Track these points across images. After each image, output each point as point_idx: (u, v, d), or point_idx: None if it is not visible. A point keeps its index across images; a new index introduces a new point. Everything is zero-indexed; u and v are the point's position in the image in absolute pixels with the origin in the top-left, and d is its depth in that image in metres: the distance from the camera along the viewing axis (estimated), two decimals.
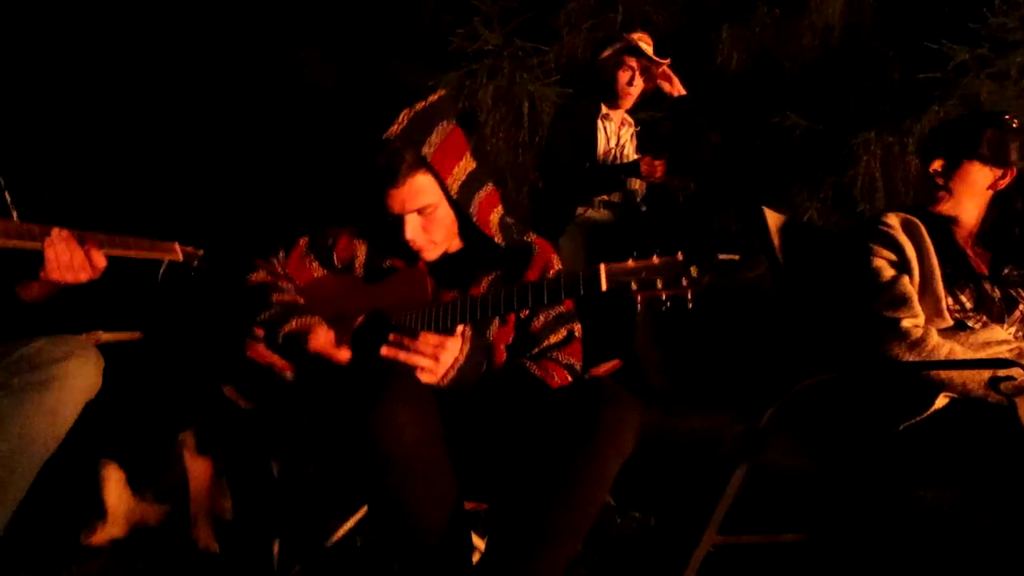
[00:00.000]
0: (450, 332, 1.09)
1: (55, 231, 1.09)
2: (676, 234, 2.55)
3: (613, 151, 2.47)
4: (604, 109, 2.46)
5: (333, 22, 3.87)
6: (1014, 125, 1.37)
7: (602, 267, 1.00)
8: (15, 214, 1.14)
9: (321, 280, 1.31)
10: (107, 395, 1.16)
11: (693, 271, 0.97)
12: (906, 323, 1.29)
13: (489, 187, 1.27)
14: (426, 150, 1.17)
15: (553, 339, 1.25)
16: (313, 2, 3.87)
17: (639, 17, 3.79)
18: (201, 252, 1.33)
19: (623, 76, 2.39)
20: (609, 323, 2.04)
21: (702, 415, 2.47)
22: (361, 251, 1.31)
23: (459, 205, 1.21)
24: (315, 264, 1.33)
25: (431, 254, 1.25)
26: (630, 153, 2.50)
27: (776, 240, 1.55)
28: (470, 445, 1.07)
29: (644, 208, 2.47)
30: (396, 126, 1.17)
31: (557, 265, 1.31)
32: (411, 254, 1.26)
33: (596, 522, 1.01)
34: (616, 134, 2.49)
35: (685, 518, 1.64)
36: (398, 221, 1.20)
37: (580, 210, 2.39)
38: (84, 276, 1.11)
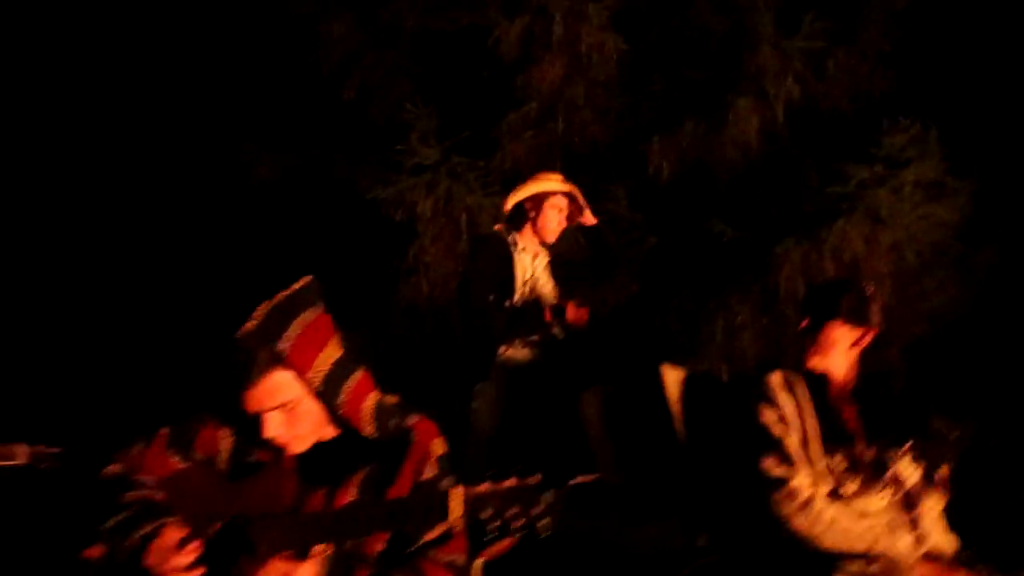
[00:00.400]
0: (307, 548, 1.04)
1: None
2: (596, 362, 2.54)
3: (529, 283, 2.47)
4: (520, 241, 2.47)
5: (278, 121, 3.90)
6: (870, 291, 1.50)
7: (452, 493, 0.98)
8: None
9: (182, 475, 1.22)
10: None
11: (549, 496, 0.96)
12: (795, 483, 1.31)
13: (359, 374, 1.22)
14: (282, 345, 1.13)
15: (429, 536, 1.19)
16: (259, 99, 3.92)
17: (577, 126, 3.97)
18: (56, 450, 1.26)
19: (552, 216, 2.41)
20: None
21: (658, 523, 2.38)
22: (225, 443, 1.23)
23: (323, 397, 1.17)
24: (176, 458, 1.25)
25: (298, 447, 1.18)
26: (545, 283, 2.50)
27: (675, 397, 1.57)
28: None
29: (562, 337, 2.47)
30: (251, 323, 1.14)
31: (438, 451, 1.26)
32: (274, 451, 1.21)
33: None
34: (531, 266, 2.49)
35: None
36: (256, 419, 1.15)
37: (500, 349, 2.36)
38: None
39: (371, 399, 1.24)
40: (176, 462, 1.25)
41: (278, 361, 1.13)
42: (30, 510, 1.27)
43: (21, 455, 1.21)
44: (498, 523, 0.95)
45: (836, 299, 1.48)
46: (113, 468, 1.22)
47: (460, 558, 1.21)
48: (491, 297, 2.33)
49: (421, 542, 1.18)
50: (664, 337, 3.58)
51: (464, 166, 3.40)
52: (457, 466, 1.29)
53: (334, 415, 1.19)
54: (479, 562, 1.38)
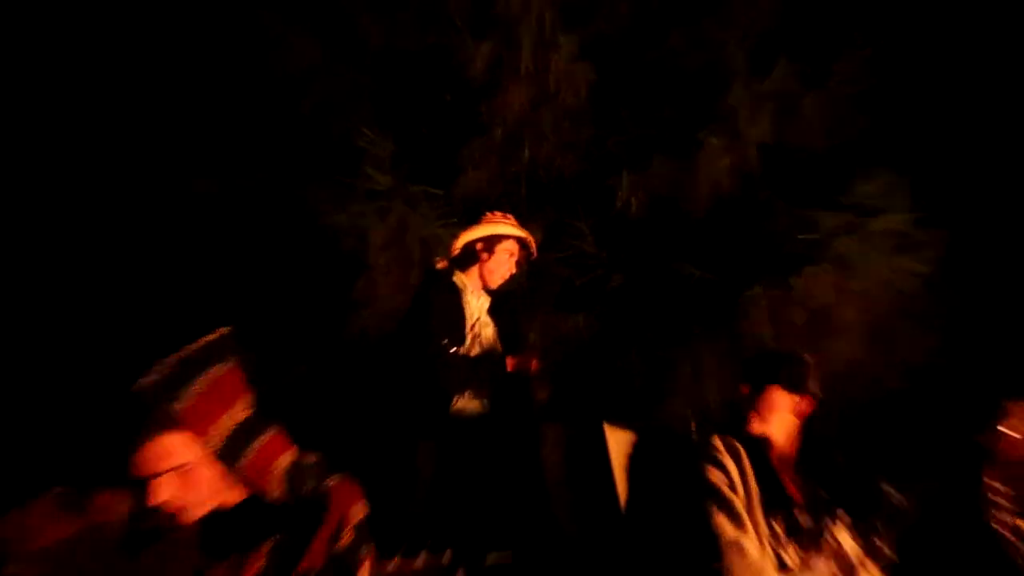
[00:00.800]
0: None
1: None
2: (551, 408, 2.50)
3: (476, 327, 2.42)
4: (461, 281, 2.42)
5: (221, 130, 3.80)
6: (809, 361, 1.59)
7: (359, 571, 0.92)
8: None
9: (67, 544, 1.16)
10: None
11: (460, 574, 0.90)
12: (747, 545, 1.31)
13: (269, 435, 1.18)
14: (179, 405, 1.09)
15: None
16: (205, 107, 3.83)
17: (543, 157, 3.99)
18: None
19: (503, 261, 2.39)
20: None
21: None
22: (122, 507, 1.17)
23: (224, 460, 1.12)
24: (62, 523, 1.18)
25: (195, 514, 1.14)
26: (488, 327, 2.45)
27: (616, 455, 1.56)
28: None
29: (510, 385, 2.40)
30: (152, 376, 1.09)
31: (357, 516, 1.21)
32: (170, 517, 1.13)
33: None
34: (475, 305, 2.45)
35: None
36: (145, 485, 1.10)
37: (452, 400, 2.25)
38: None
39: (284, 459, 1.20)
40: (64, 528, 1.17)
41: (172, 423, 1.09)
42: None
43: None
44: None
45: (776, 366, 1.60)
46: None
47: None
48: (444, 342, 2.24)
49: None
50: (626, 380, 3.56)
51: (420, 195, 3.37)
52: (383, 528, 1.22)
53: (239, 477, 1.13)
54: None
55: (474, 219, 2.56)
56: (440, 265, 2.46)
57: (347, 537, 1.18)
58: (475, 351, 2.32)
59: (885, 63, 3.79)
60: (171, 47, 3.85)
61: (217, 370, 1.13)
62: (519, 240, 2.44)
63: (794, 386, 1.55)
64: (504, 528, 1.78)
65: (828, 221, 3.24)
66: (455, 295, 2.37)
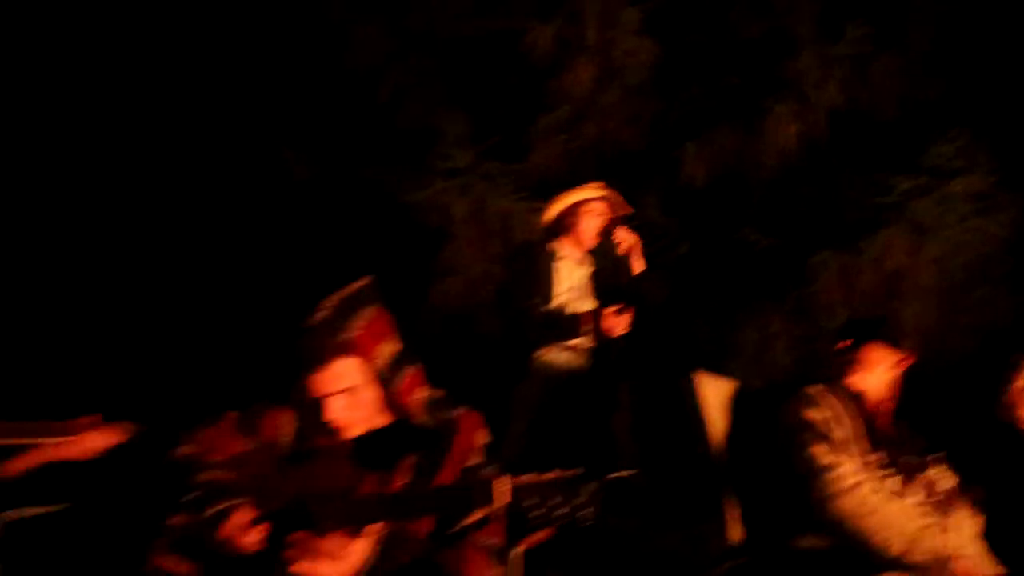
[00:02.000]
0: (362, 527, 1.13)
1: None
2: (629, 367, 2.56)
3: (568, 292, 2.47)
4: (559, 251, 2.49)
5: (313, 122, 4.03)
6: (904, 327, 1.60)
7: (495, 483, 1.06)
8: None
9: (245, 457, 1.34)
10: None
11: (590, 487, 1.02)
12: (843, 468, 1.36)
13: (413, 368, 1.34)
14: (349, 335, 1.26)
15: (470, 520, 1.28)
16: (296, 103, 4.06)
17: (610, 132, 4.02)
18: (141, 428, 1.39)
19: (590, 224, 2.44)
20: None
21: (681, 526, 2.37)
22: (287, 430, 1.35)
23: (383, 384, 1.28)
24: (241, 440, 1.37)
25: (355, 431, 1.30)
26: (584, 293, 2.51)
27: (711, 404, 1.63)
28: None
29: (598, 343, 2.50)
30: (320, 313, 1.26)
31: (481, 441, 1.36)
32: (334, 433, 1.31)
33: None
34: (569, 278, 2.49)
35: None
36: (319, 403, 1.26)
37: (538, 353, 2.39)
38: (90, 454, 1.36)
39: (423, 391, 1.35)
40: (241, 444, 1.37)
41: (345, 349, 1.25)
42: (116, 483, 1.40)
43: (112, 433, 1.35)
44: (541, 512, 1.02)
45: (877, 323, 1.65)
46: (185, 449, 1.33)
47: (499, 542, 1.30)
48: (530, 303, 2.36)
49: (463, 525, 1.27)
50: (693, 345, 3.61)
51: (497, 170, 3.48)
52: (498, 459, 1.37)
53: (390, 403, 1.30)
54: (518, 550, 1.45)
55: (552, 192, 2.67)
56: (536, 237, 2.57)
57: (474, 458, 1.32)
58: (562, 310, 2.42)
59: (960, 20, 3.62)
60: (260, 43, 4.08)
61: (371, 308, 1.30)
62: (604, 200, 2.49)
63: (895, 343, 1.57)
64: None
65: (903, 184, 3.15)
66: (546, 262, 2.47)
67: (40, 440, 1.34)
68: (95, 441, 1.38)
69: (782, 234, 3.52)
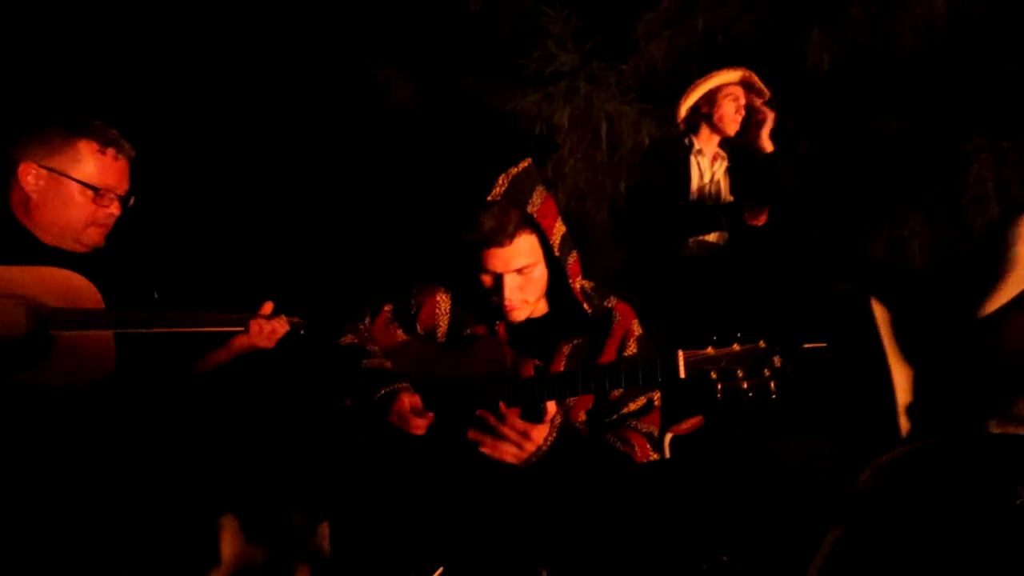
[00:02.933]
0: (531, 407, 1.14)
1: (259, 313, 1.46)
2: (769, 270, 2.41)
3: (707, 187, 2.39)
4: (696, 144, 2.39)
5: (410, 40, 3.98)
6: None
7: (680, 354, 1.02)
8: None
9: (404, 345, 1.41)
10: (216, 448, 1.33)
11: (776, 361, 0.97)
12: None
13: (576, 254, 1.33)
14: (531, 208, 1.24)
15: (632, 407, 1.28)
16: (389, 21, 4.00)
17: (720, 24, 3.67)
18: (303, 321, 1.48)
19: (727, 108, 2.31)
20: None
21: (799, 439, 2.35)
22: (444, 320, 1.38)
23: (559, 263, 1.27)
24: (399, 331, 1.42)
25: (520, 314, 1.30)
26: (724, 189, 2.41)
27: (884, 325, 1.50)
28: (543, 512, 1.12)
29: (736, 237, 2.38)
30: (498, 188, 1.26)
31: (637, 331, 1.34)
32: (492, 319, 1.33)
33: (678, 568, 1.04)
34: (710, 170, 2.40)
35: (778, 564, 1.61)
36: (496, 281, 1.26)
37: (677, 248, 2.32)
38: (273, 342, 1.46)
39: (580, 278, 1.34)
40: (400, 334, 1.42)
41: (529, 223, 1.24)
42: (290, 369, 1.51)
43: (285, 323, 1.44)
44: (726, 384, 0.98)
45: None
46: (348, 338, 1.40)
47: (656, 430, 1.30)
48: (667, 199, 2.30)
49: (623, 412, 1.27)
50: (820, 249, 3.37)
51: (603, 70, 3.28)
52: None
53: (562, 285, 1.30)
54: (668, 436, 1.45)
55: (661, 92, 2.51)
56: (672, 133, 2.47)
57: (632, 347, 1.32)
58: (699, 204, 2.34)
59: None
60: None
61: (541, 188, 1.28)
62: (740, 84, 2.34)
63: None
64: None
65: None
66: (681, 157, 2.38)
67: (219, 328, 1.43)
68: (275, 329, 1.46)
69: (925, 121, 3.12)
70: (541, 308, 1.37)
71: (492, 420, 1.13)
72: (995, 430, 1.25)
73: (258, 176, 3.47)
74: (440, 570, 1.27)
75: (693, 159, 2.38)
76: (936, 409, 1.37)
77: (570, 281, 1.29)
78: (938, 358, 1.41)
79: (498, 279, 1.26)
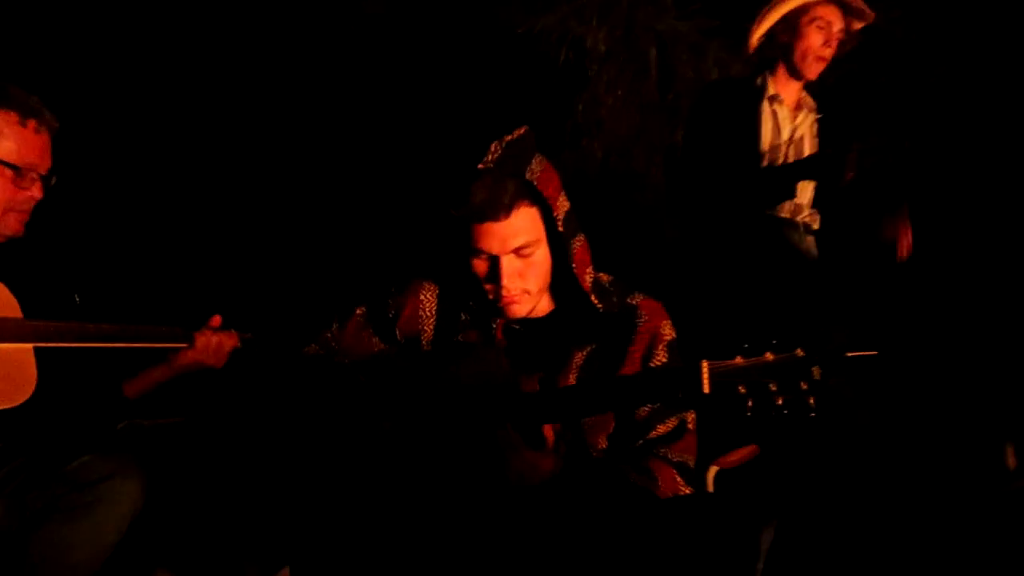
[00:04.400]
0: (534, 430, 1.33)
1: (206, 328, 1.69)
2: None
3: (784, 146, 2.37)
4: (771, 87, 2.38)
5: None
6: None
7: (704, 365, 1.20)
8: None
9: (381, 356, 1.57)
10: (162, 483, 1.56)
11: (815, 372, 1.15)
12: None
13: (582, 238, 1.48)
14: (531, 176, 1.40)
15: (661, 430, 1.45)
16: None
17: None
18: (249, 335, 1.70)
19: (815, 37, 2.28)
20: None
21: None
22: (429, 323, 1.56)
23: (564, 241, 1.42)
24: (374, 339, 1.60)
25: (521, 308, 1.45)
26: (807, 148, 2.40)
27: None
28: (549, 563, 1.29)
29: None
30: (490, 155, 1.42)
31: (668, 335, 1.49)
32: (487, 323, 1.50)
33: None
34: (790, 123, 2.39)
35: None
36: (492, 265, 1.42)
37: (744, 227, 2.33)
38: (222, 360, 1.66)
39: (590, 271, 1.50)
40: (376, 343, 1.61)
41: (528, 192, 1.40)
42: (239, 387, 1.74)
43: (232, 337, 1.67)
44: (756, 403, 1.16)
45: None
46: (310, 349, 1.60)
47: (691, 459, 1.46)
48: (731, 161, 2.31)
49: (650, 436, 1.45)
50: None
51: None
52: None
53: (565, 272, 1.45)
54: (713, 470, 1.63)
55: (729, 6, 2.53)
56: (742, 79, 2.46)
57: (661, 356, 1.48)
58: (777, 169, 2.36)
59: None
60: None
61: (541, 157, 1.43)
62: (836, 4, 2.31)
63: None
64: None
65: None
66: (750, 106, 2.37)
67: (161, 344, 1.66)
68: (222, 344, 1.69)
69: None
70: (545, 306, 1.52)
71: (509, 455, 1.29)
72: None
73: (207, 152, 3.65)
74: None
75: (766, 107, 2.37)
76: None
77: (575, 269, 1.44)
78: None
79: (494, 263, 1.41)
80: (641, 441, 1.46)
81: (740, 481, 1.67)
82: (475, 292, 1.48)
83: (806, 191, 2.43)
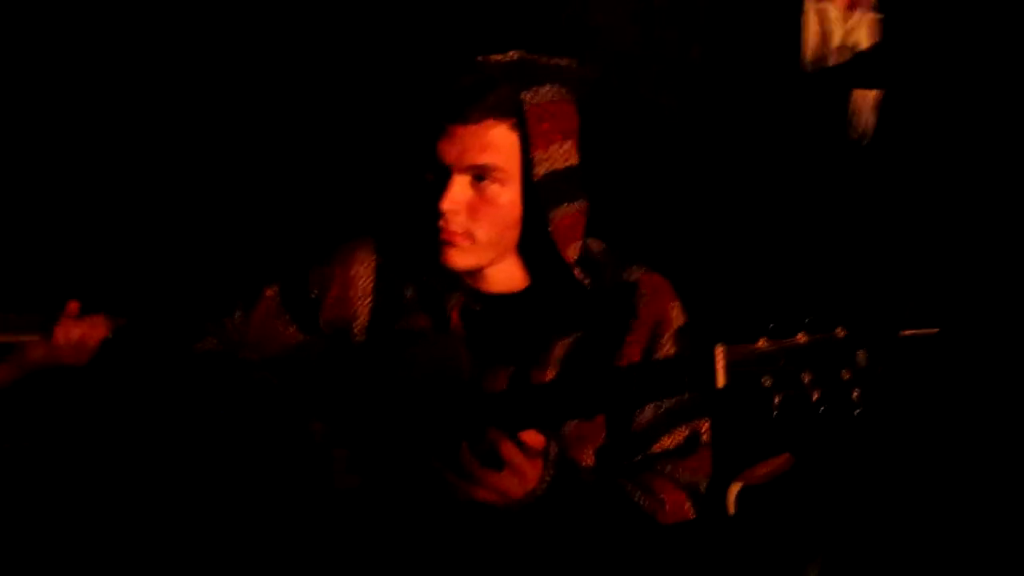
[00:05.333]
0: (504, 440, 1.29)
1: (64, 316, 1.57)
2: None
3: (833, 56, 2.44)
4: None
5: None
6: None
7: (719, 352, 1.16)
8: None
9: (300, 350, 1.52)
10: None
11: (861, 357, 1.11)
12: None
13: (582, 203, 1.44)
14: (528, 96, 1.36)
15: (667, 442, 1.42)
16: None
17: None
18: (123, 321, 1.64)
19: None
20: None
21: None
22: (363, 305, 1.51)
23: (537, 196, 1.38)
24: (291, 328, 1.55)
25: (459, 256, 1.40)
26: (861, 59, 2.43)
27: None
28: None
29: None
30: (500, 56, 1.40)
31: (677, 320, 1.45)
32: (439, 301, 1.45)
33: None
34: (841, 25, 2.45)
35: None
36: (439, 179, 1.37)
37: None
38: (85, 356, 1.56)
39: (579, 244, 1.45)
40: (293, 333, 1.56)
41: (514, 111, 1.36)
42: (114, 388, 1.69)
43: (99, 326, 1.61)
44: (787, 394, 1.12)
45: None
46: (207, 344, 1.55)
47: (702, 480, 1.44)
48: (768, 73, 2.38)
49: (653, 450, 1.42)
50: None
51: None
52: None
53: (543, 238, 1.41)
54: (736, 488, 1.61)
55: None
56: None
57: (668, 347, 1.44)
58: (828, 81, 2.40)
59: None
60: None
61: (564, 92, 1.40)
62: None
63: None
64: None
65: None
66: (783, 5, 2.43)
67: (7, 338, 1.59)
68: (85, 336, 1.59)
69: None
70: (516, 279, 1.48)
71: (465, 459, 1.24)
72: None
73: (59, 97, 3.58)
74: None
75: (811, 6, 2.43)
76: None
77: (553, 235, 1.39)
78: None
79: (442, 176, 1.36)
80: (642, 455, 1.43)
81: (771, 502, 1.65)
82: (419, 244, 1.44)
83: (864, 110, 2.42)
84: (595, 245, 1.51)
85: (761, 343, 1.15)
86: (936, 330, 1.10)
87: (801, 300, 1.23)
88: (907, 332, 1.11)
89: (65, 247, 3.10)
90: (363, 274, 1.53)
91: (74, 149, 3.50)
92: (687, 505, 1.40)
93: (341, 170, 2.84)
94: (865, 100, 2.42)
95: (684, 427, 1.43)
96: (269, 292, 1.58)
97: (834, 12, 2.42)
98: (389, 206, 1.52)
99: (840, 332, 1.12)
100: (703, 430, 1.45)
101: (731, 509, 1.59)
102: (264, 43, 3.31)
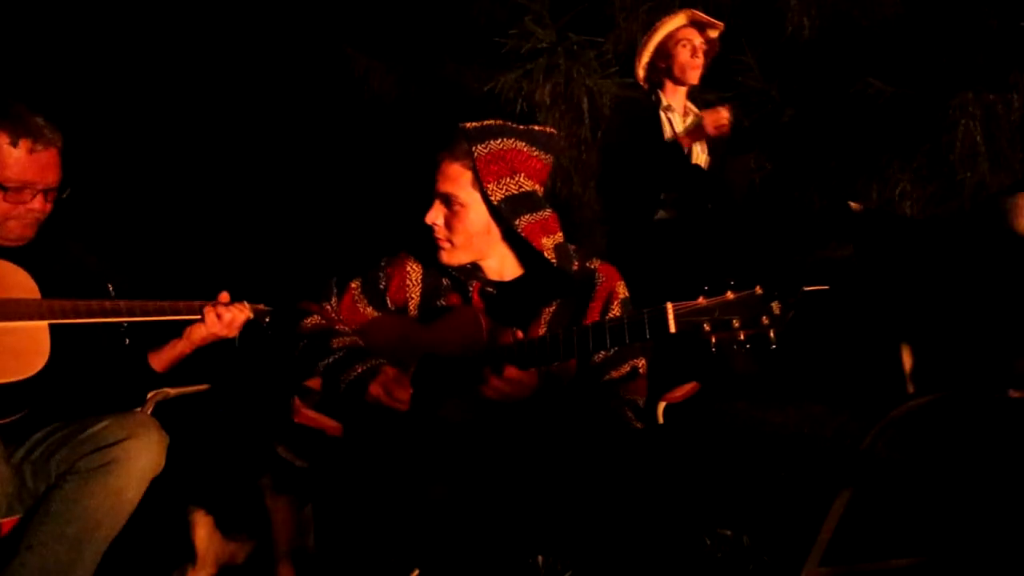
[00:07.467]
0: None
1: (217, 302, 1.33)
2: (749, 231, 2.33)
3: (679, 139, 2.29)
4: (664, 99, 2.30)
5: (385, 28, 3.86)
6: None
7: (669, 307, 0.91)
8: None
9: (375, 323, 1.30)
10: (190, 441, 1.21)
11: (775, 307, 0.85)
12: None
13: (545, 213, 1.21)
14: (478, 148, 1.17)
15: (615, 375, 1.19)
16: (363, 10, 3.87)
17: None
18: (270, 308, 1.37)
19: (683, 54, 2.23)
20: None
21: (797, 407, 2.26)
22: (415, 291, 1.29)
23: (500, 215, 1.18)
24: (368, 308, 1.33)
25: (445, 255, 1.22)
26: (696, 145, 2.31)
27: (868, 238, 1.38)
28: (535, 490, 1.02)
29: (710, 206, 2.28)
30: (473, 122, 1.20)
31: (623, 293, 1.24)
32: (465, 287, 1.24)
33: (679, 544, 0.93)
34: (682, 123, 2.31)
35: (782, 535, 1.49)
36: (431, 202, 1.21)
37: (656, 215, 2.24)
38: (235, 331, 1.32)
39: (553, 238, 1.22)
40: (370, 312, 1.32)
41: (466, 156, 1.18)
42: (260, 359, 1.39)
43: (247, 310, 1.33)
44: (722, 336, 0.86)
45: None
46: (313, 320, 1.29)
47: (640, 399, 1.20)
48: (635, 160, 2.21)
49: (606, 379, 1.16)
50: (807, 216, 3.25)
51: (582, 45, 3.15)
52: None
53: (511, 237, 1.21)
54: (662, 405, 1.33)
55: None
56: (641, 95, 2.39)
57: (616, 309, 1.22)
58: (671, 159, 2.23)
59: None
60: None
61: (522, 145, 1.19)
62: (691, 25, 2.27)
63: None
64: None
65: None
66: (646, 114, 2.28)
67: (169, 318, 1.31)
68: (235, 317, 1.34)
69: (909, 81, 3.00)
70: (512, 270, 1.27)
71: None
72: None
73: (229, 165, 3.34)
74: (416, 572, 1.16)
75: (663, 115, 2.29)
76: (945, 374, 1.25)
77: (526, 237, 1.19)
78: (945, 317, 1.29)
79: (432, 200, 1.21)
80: (597, 384, 1.19)
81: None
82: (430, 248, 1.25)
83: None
84: (571, 246, 1.28)
85: (700, 300, 0.90)
86: (828, 287, 0.84)
87: (727, 270, 0.97)
88: (808, 287, 0.85)
89: (222, 253, 2.89)
90: (415, 270, 1.31)
91: (234, 184, 3.27)
92: (630, 414, 1.16)
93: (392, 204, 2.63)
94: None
95: (627, 364, 1.20)
96: (353, 284, 1.34)
97: (676, 117, 2.31)
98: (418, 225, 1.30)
99: (759, 289, 0.88)
100: (640, 365, 1.21)
101: (660, 420, 1.30)
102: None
